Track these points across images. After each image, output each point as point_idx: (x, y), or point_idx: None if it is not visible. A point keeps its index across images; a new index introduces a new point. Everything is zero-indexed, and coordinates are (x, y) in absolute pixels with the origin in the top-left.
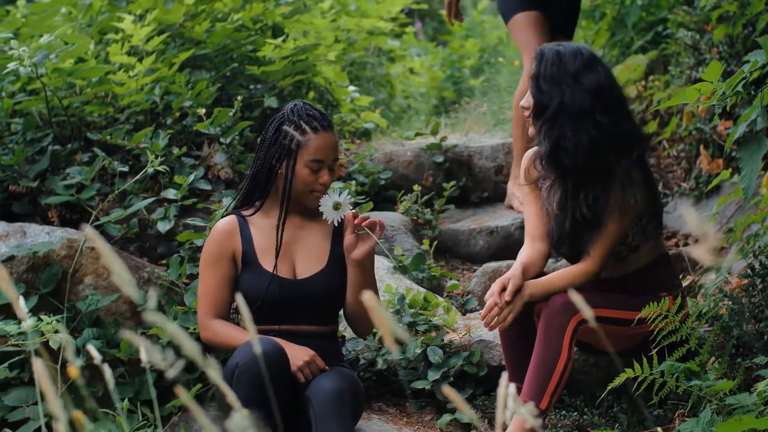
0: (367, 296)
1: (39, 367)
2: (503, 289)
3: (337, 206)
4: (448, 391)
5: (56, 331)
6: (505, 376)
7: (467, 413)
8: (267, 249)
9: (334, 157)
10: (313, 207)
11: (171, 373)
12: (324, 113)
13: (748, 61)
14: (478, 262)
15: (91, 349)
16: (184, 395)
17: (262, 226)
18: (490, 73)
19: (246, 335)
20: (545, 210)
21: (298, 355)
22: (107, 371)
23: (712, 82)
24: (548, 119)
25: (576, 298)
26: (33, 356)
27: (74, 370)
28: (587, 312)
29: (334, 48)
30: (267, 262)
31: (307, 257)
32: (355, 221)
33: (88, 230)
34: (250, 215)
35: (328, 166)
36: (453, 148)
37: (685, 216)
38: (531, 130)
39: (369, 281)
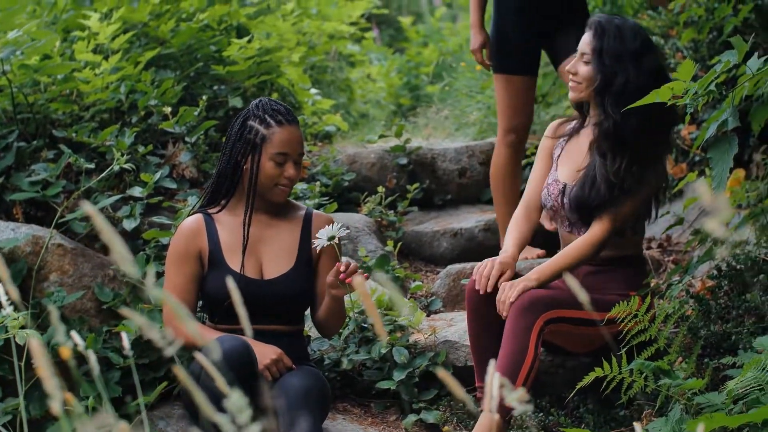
0: (357, 280)
1: (36, 344)
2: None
3: (331, 239)
4: (443, 374)
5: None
6: (492, 364)
7: (460, 395)
8: (233, 247)
9: (299, 151)
10: (279, 202)
11: (169, 351)
12: (288, 108)
13: (719, 61)
14: (442, 264)
15: (75, 336)
16: (180, 373)
17: (228, 223)
18: (450, 78)
19: (212, 334)
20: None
21: (266, 353)
22: (92, 357)
23: (684, 81)
24: (613, 95)
25: (572, 282)
26: (25, 337)
27: (65, 350)
28: (582, 295)
29: (297, 50)
30: (234, 261)
31: (275, 257)
32: (340, 276)
33: (87, 206)
34: (216, 213)
35: (293, 159)
36: (417, 151)
37: (698, 190)
38: (572, 95)
39: (343, 305)
